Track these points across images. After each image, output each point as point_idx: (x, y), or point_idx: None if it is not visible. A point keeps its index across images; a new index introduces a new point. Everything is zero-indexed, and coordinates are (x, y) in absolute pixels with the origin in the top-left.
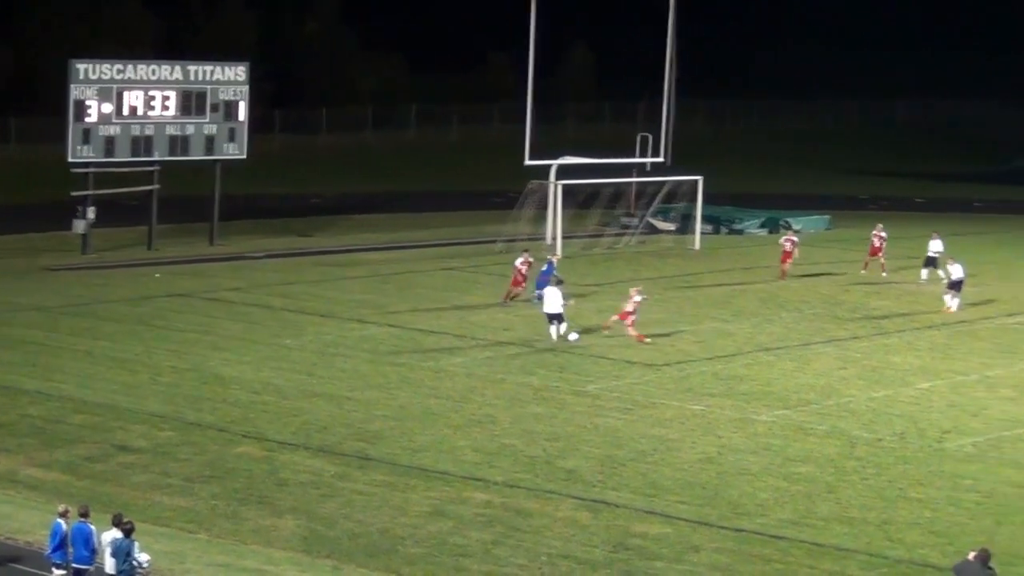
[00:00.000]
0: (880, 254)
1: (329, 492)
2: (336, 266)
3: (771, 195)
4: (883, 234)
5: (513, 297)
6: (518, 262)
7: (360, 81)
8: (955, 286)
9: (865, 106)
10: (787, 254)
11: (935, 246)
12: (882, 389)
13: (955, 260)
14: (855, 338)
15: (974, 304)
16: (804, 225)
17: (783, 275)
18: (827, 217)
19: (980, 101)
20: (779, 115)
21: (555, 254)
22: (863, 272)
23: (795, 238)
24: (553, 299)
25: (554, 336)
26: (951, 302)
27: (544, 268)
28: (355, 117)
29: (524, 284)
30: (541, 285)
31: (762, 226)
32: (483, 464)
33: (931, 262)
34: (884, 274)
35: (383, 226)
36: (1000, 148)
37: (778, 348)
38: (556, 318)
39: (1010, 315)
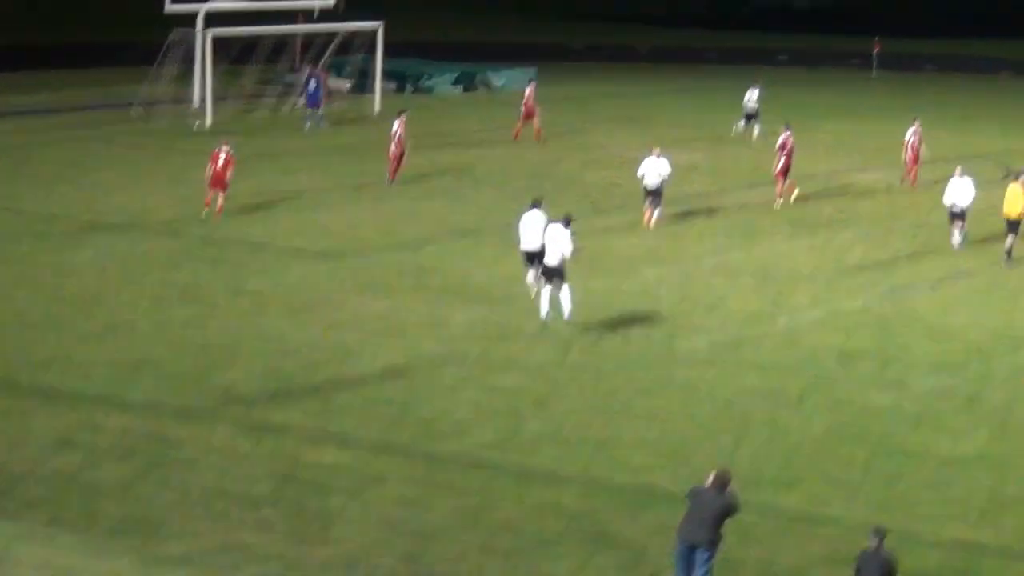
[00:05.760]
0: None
1: None
2: None
3: (466, 45)
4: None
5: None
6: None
7: None
8: (655, 195)
9: None
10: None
11: (752, 97)
12: (601, 279)
13: (661, 154)
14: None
15: (707, 174)
16: (506, 80)
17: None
18: (533, 70)
19: None
20: None
21: (318, 69)
22: (907, 182)
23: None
24: (552, 241)
25: (544, 306)
26: (654, 214)
27: (312, 87)
28: None
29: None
30: (313, 102)
31: (456, 82)
32: (120, 382)
33: (750, 117)
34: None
35: None
36: None
37: (476, 232)
38: (554, 273)
39: (751, 186)
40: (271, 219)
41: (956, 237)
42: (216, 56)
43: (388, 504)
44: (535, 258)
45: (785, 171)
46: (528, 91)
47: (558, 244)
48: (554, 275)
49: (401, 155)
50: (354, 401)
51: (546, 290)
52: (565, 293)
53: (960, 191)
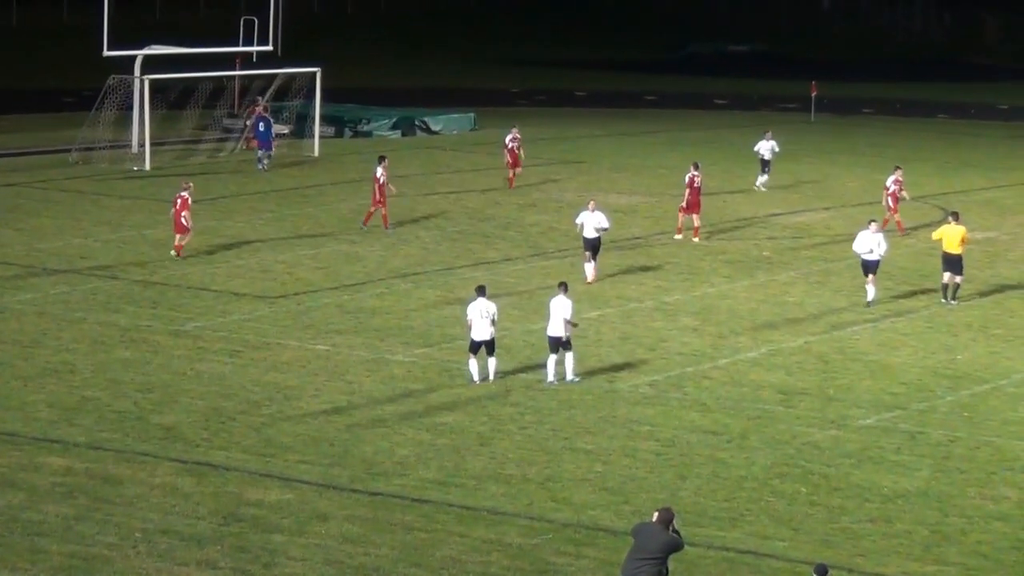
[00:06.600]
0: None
1: None
2: None
3: (405, 90)
4: (900, 179)
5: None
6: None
7: None
8: (594, 248)
9: None
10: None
11: (764, 147)
12: (541, 320)
13: (597, 207)
14: (508, 260)
15: (647, 218)
16: (444, 125)
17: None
18: (471, 115)
19: None
20: None
21: (262, 105)
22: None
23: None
24: (556, 310)
25: (551, 375)
26: (590, 269)
27: (261, 127)
28: None
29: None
30: (264, 144)
31: (394, 127)
32: (61, 422)
33: (765, 165)
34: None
35: None
36: (673, 32)
37: (416, 274)
38: (560, 343)
39: (690, 229)
40: (211, 262)
41: (870, 293)
42: (154, 101)
43: (332, 542)
44: (481, 347)
45: (689, 207)
46: (512, 136)
47: (561, 312)
48: (560, 345)
49: (383, 200)
50: (296, 440)
51: (552, 359)
52: (569, 360)
53: (872, 244)
